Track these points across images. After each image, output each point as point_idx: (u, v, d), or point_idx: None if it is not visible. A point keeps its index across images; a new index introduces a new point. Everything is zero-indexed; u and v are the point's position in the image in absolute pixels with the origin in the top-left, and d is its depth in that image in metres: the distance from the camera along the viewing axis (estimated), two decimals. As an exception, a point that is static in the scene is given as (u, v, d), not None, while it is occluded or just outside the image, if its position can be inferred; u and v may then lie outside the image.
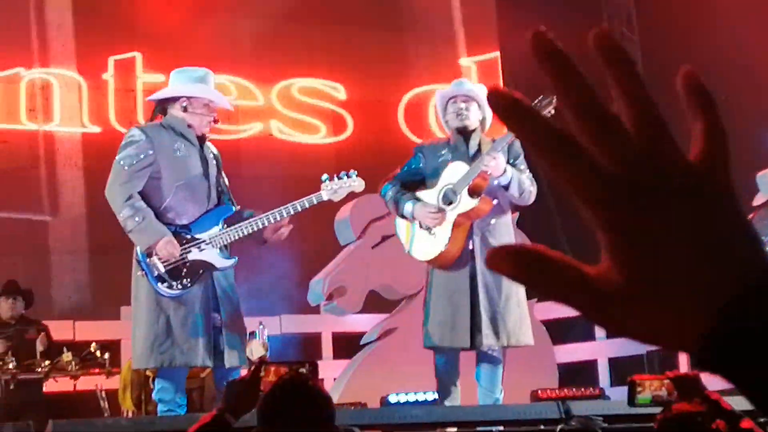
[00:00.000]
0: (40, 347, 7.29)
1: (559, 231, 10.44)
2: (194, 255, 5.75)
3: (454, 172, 6.21)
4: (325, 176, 6.03)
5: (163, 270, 5.68)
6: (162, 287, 5.72)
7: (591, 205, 0.62)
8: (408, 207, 6.23)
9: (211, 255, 5.79)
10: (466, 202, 6.16)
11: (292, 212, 5.89)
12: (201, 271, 5.77)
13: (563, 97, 0.62)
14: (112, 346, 7.68)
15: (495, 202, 6.21)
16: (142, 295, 5.77)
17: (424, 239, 6.26)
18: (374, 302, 8.71)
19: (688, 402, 3.13)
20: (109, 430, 5.43)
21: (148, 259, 5.71)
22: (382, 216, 8.63)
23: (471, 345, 6.12)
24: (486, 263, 0.64)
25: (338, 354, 9.12)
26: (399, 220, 6.40)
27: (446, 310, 6.15)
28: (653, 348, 9.60)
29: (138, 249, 5.77)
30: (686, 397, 3.21)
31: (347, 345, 9.04)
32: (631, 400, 3.76)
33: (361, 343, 8.66)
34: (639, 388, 3.70)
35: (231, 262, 5.89)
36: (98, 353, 7.22)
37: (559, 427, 5.24)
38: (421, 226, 6.24)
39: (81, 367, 7.14)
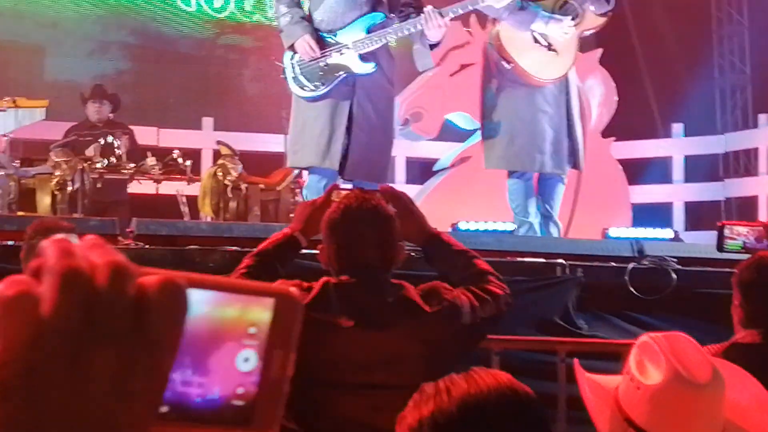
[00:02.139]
0: (122, 149, 7.44)
1: (642, 65, 10.28)
2: (333, 59, 5.90)
3: None
4: None
5: (298, 71, 5.93)
6: (296, 88, 5.96)
7: None
8: (541, 18, 5.93)
9: (349, 59, 5.89)
10: (591, 19, 5.94)
11: (442, 17, 5.74)
12: (338, 74, 5.88)
13: None
14: (193, 155, 7.83)
15: None
16: (293, 98, 6.05)
17: (542, 55, 5.99)
18: (449, 130, 8.72)
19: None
20: (190, 232, 5.59)
21: (290, 60, 5.97)
22: (463, 44, 8.54)
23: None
24: None
25: (411, 179, 9.21)
26: (508, 30, 6.04)
27: (531, 131, 6.06)
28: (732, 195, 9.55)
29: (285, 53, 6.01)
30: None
31: (420, 170, 9.12)
32: (720, 246, 3.69)
33: (434, 169, 8.71)
34: (729, 233, 3.65)
35: (369, 66, 5.88)
36: (180, 160, 7.37)
37: (631, 265, 5.28)
38: (536, 41, 5.98)
39: (164, 172, 7.29)
